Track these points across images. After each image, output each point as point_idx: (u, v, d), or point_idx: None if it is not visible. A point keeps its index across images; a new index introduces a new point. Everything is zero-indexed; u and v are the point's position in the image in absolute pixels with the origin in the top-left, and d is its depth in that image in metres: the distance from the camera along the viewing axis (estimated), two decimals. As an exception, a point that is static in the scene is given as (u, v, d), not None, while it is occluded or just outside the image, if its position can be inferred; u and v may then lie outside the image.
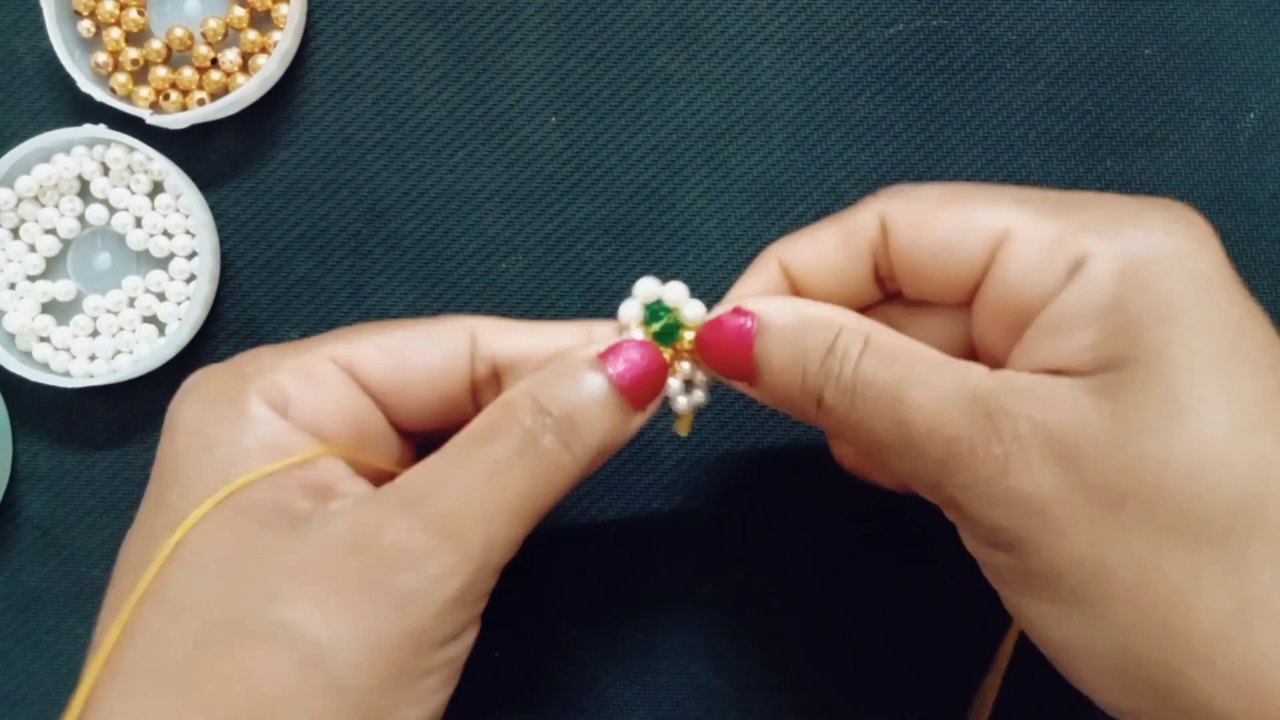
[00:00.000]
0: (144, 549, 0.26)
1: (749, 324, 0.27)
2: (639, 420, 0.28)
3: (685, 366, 0.29)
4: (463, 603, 0.25)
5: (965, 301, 0.27)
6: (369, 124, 0.36)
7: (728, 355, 0.28)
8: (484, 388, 0.29)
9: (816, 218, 0.36)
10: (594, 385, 0.27)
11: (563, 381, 0.27)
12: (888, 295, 0.29)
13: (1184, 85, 0.36)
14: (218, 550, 0.25)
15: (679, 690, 0.36)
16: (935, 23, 0.36)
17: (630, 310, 0.29)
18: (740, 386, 0.28)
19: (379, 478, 0.28)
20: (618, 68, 0.36)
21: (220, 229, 0.36)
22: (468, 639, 0.27)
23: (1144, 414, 0.23)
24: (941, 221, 0.27)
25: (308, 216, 0.37)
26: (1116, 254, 0.24)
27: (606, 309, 0.36)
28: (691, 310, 0.29)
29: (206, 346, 0.36)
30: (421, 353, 0.29)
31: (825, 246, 0.28)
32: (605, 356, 0.27)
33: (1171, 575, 0.23)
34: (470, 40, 0.36)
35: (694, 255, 0.36)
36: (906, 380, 0.25)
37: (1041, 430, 0.24)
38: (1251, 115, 0.36)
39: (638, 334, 0.29)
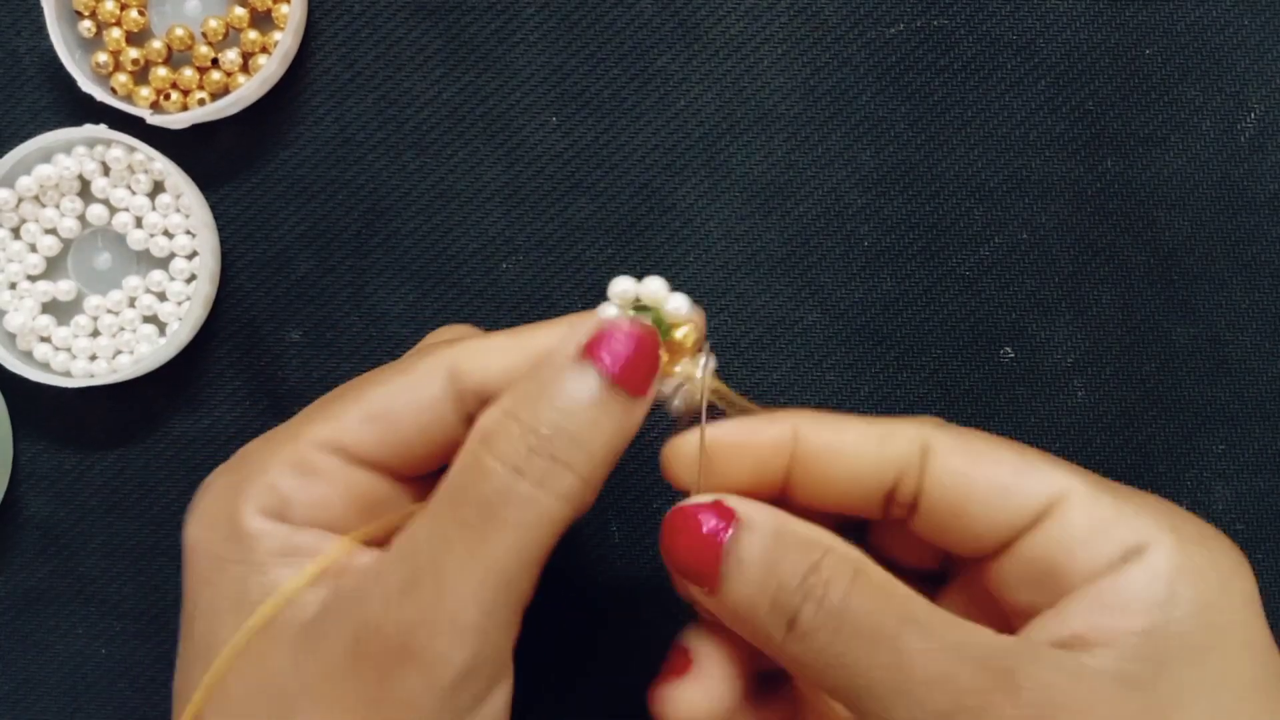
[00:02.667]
0: (183, 684, 0.26)
1: (723, 526, 0.25)
2: (643, 407, 0.26)
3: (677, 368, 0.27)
4: (469, 678, 0.24)
5: (981, 553, 0.26)
6: (369, 124, 0.36)
7: (691, 551, 0.25)
8: (477, 417, 0.27)
9: (817, 218, 0.36)
10: (584, 385, 0.25)
11: (547, 390, 0.25)
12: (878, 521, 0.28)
13: (1184, 85, 0.36)
14: (246, 678, 0.25)
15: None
16: (936, 22, 0.36)
17: (608, 309, 0.27)
18: (694, 593, 0.26)
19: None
20: (618, 68, 0.36)
21: (220, 229, 0.36)
22: (498, 696, 0.26)
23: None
24: (999, 466, 0.26)
25: (308, 216, 0.37)
26: (1175, 552, 0.25)
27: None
28: (673, 304, 0.27)
29: (207, 346, 0.36)
30: (406, 412, 0.27)
31: (852, 444, 0.27)
32: (590, 349, 0.25)
33: None
34: (471, 40, 0.36)
35: (694, 255, 0.36)
36: (908, 622, 0.24)
37: (1066, 702, 0.23)
38: (1252, 115, 0.36)
39: (616, 317, 0.26)
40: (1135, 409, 0.36)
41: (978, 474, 0.26)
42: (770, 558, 0.25)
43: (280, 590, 0.25)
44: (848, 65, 0.36)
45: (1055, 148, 0.36)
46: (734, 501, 0.26)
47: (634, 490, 0.36)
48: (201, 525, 0.27)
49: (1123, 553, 0.25)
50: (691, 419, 0.27)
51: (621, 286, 0.27)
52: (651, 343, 0.26)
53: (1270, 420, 0.36)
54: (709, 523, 0.25)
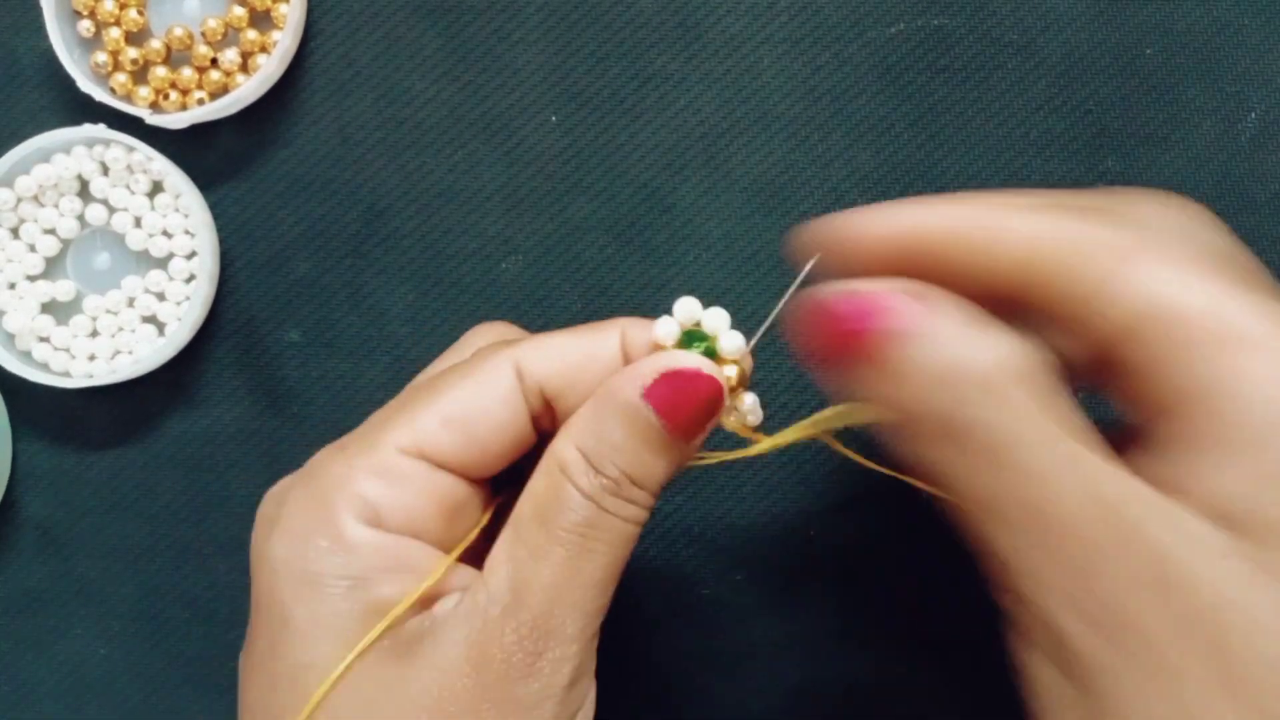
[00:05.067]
0: (267, 698, 0.26)
1: (877, 325, 0.23)
2: (699, 443, 0.27)
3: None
4: (576, 682, 0.26)
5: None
6: (369, 123, 0.36)
7: (833, 351, 0.24)
8: (541, 415, 0.28)
9: (817, 218, 0.36)
10: (644, 428, 0.26)
11: (609, 429, 0.26)
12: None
13: (1185, 85, 0.36)
14: (350, 697, 0.25)
15: (679, 691, 0.36)
16: (936, 22, 0.36)
17: (666, 330, 0.27)
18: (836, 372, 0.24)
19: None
20: (618, 68, 0.36)
21: (220, 229, 0.36)
22: (591, 696, 0.27)
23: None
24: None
25: (307, 216, 0.37)
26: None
27: (606, 309, 0.36)
28: (729, 341, 0.27)
29: (206, 346, 0.36)
30: (483, 413, 0.27)
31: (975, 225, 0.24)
32: (650, 395, 0.25)
33: None
34: (470, 39, 0.36)
35: (694, 255, 0.36)
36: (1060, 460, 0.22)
37: (1158, 551, 0.20)
38: (1252, 115, 0.36)
39: (679, 355, 0.26)
40: (1135, 409, 0.36)
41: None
42: (939, 372, 0.23)
43: (393, 608, 0.25)
44: (848, 65, 0.36)
45: (1055, 148, 0.36)
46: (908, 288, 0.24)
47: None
48: (291, 537, 0.26)
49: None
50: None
51: (688, 308, 0.27)
52: (714, 394, 0.26)
53: (1270, 420, 0.36)
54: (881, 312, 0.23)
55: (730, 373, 0.27)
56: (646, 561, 0.36)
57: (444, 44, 0.36)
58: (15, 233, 0.35)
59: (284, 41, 0.35)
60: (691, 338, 0.27)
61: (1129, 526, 0.21)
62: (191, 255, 0.36)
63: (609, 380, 0.26)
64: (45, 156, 0.35)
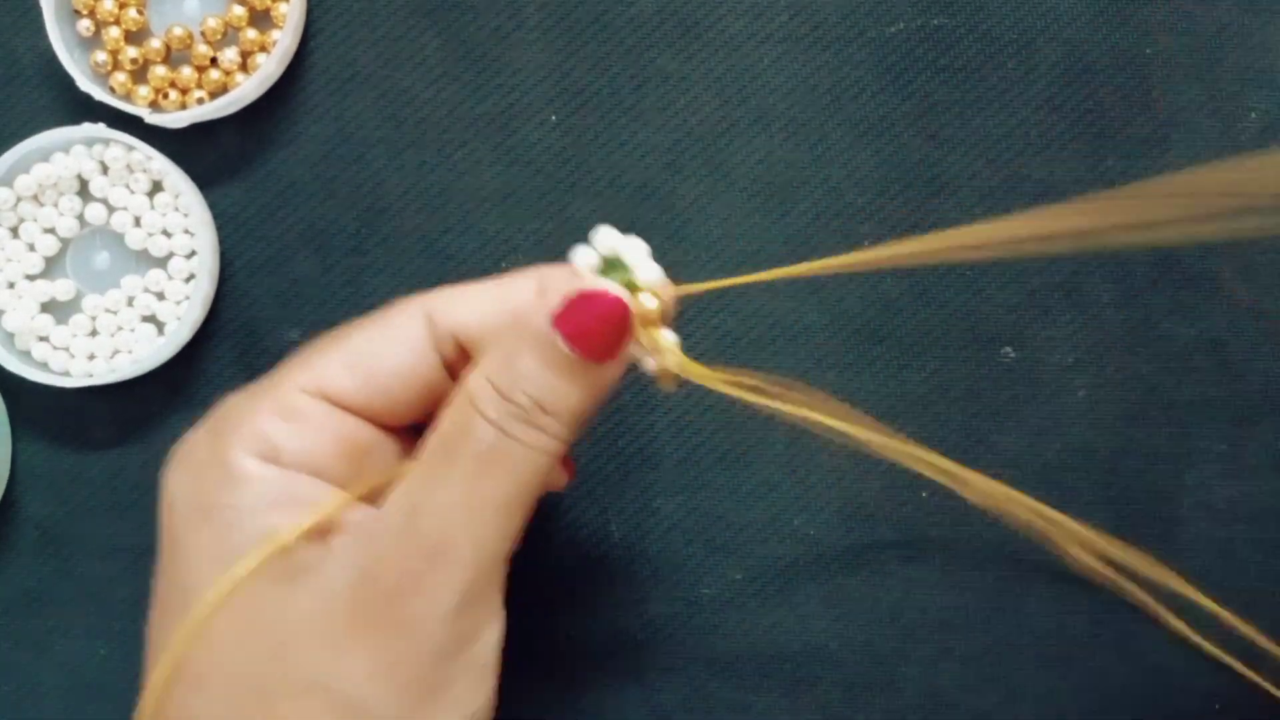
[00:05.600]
0: (162, 628, 0.26)
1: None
2: (614, 369, 0.27)
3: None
4: (469, 607, 0.26)
5: None
6: (368, 123, 0.36)
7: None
8: (455, 365, 0.28)
9: (817, 218, 0.36)
10: (553, 354, 0.26)
11: (519, 360, 0.26)
12: None
13: (1185, 85, 0.36)
14: (233, 618, 0.25)
15: (679, 690, 0.36)
16: (935, 22, 0.36)
17: (584, 258, 0.27)
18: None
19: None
20: (618, 67, 0.36)
21: (220, 228, 0.36)
22: (490, 633, 0.27)
23: None
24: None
25: (307, 215, 0.37)
26: None
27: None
28: (645, 273, 0.27)
29: (206, 346, 0.36)
30: (385, 356, 0.28)
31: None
32: (559, 320, 0.26)
33: None
34: (470, 38, 0.36)
35: (694, 255, 0.36)
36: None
37: None
38: (1252, 115, 0.36)
39: (588, 279, 0.27)
40: (1135, 409, 0.36)
41: None
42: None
43: (278, 536, 0.26)
44: (847, 64, 0.36)
45: (1056, 147, 0.36)
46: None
47: (634, 490, 0.36)
48: (186, 474, 0.27)
49: None
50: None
51: (607, 237, 0.27)
52: (620, 314, 0.26)
53: (1270, 420, 0.36)
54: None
55: (651, 305, 0.26)
56: (646, 561, 0.36)
57: (444, 44, 0.36)
58: (15, 232, 0.35)
59: (284, 41, 0.35)
60: (610, 267, 0.27)
61: None
62: (191, 255, 0.36)
63: (519, 313, 0.27)
64: (45, 155, 0.35)
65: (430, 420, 0.28)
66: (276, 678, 0.25)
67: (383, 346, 0.28)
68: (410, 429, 0.29)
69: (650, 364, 0.28)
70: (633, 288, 0.26)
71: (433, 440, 0.26)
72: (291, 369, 0.28)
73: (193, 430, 0.28)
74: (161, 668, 0.25)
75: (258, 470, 0.26)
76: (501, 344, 0.26)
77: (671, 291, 0.27)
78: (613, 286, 0.26)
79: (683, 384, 0.29)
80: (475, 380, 0.26)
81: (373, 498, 0.27)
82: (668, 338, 0.27)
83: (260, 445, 0.27)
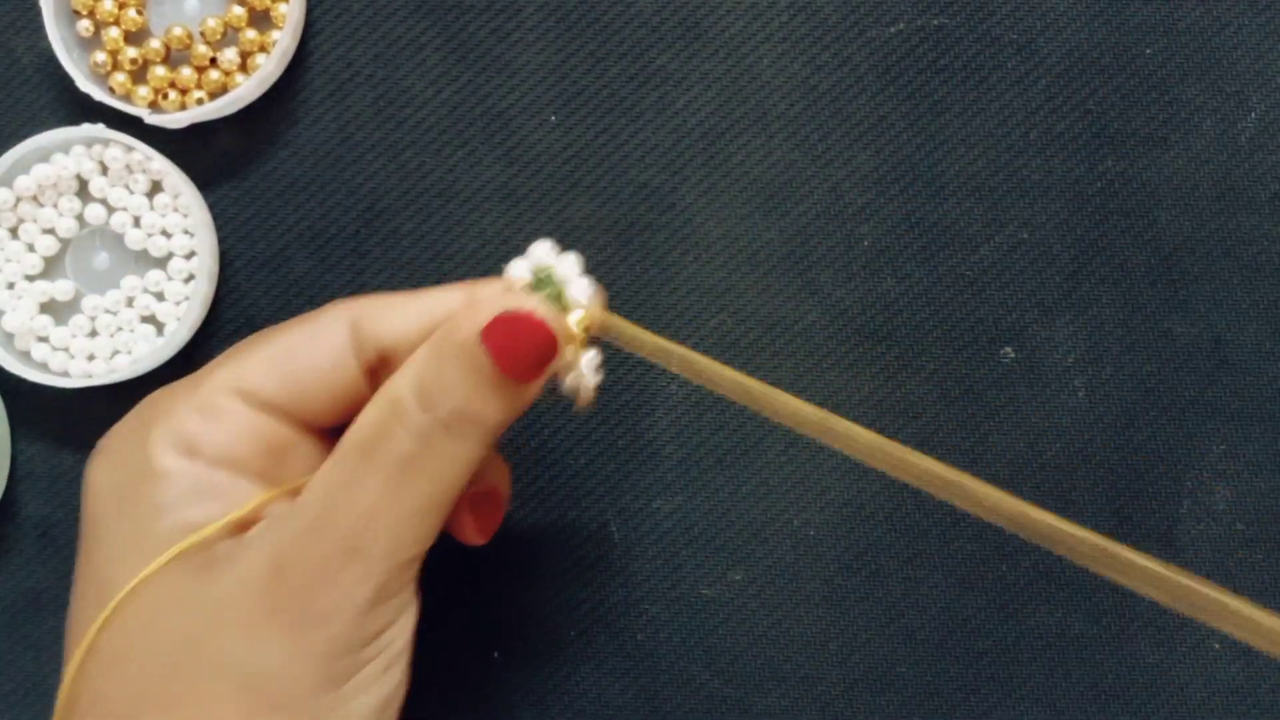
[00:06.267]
0: (79, 617, 0.27)
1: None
2: (535, 389, 0.27)
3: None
4: (381, 601, 0.26)
5: None
6: (368, 123, 0.36)
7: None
8: (378, 371, 0.28)
9: (817, 218, 0.36)
10: (478, 368, 0.26)
11: (445, 369, 0.26)
12: None
13: (1185, 85, 0.36)
14: (148, 604, 0.26)
15: (679, 691, 0.36)
16: (935, 22, 0.36)
17: (518, 270, 0.27)
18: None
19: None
20: (618, 67, 0.36)
21: (219, 228, 0.36)
22: (403, 623, 0.27)
23: None
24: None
25: (307, 216, 0.36)
26: None
27: (606, 309, 0.36)
28: (577, 290, 0.27)
29: (205, 346, 0.36)
30: (306, 358, 0.28)
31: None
32: (486, 335, 0.26)
33: None
34: (470, 39, 0.36)
35: (694, 255, 0.36)
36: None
37: None
38: (1252, 115, 0.36)
39: (520, 297, 0.27)
40: (1135, 409, 0.36)
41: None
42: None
43: (197, 531, 0.26)
44: (848, 65, 0.36)
45: (1055, 148, 0.36)
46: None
47: (633, 490, 0.36)
48: (107, 465, 0.28)
49: None
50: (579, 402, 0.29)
51: (541, 251, 0.27)
52: (548, 340, 0.26)
53: (1270, 420, 0.36)
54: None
55: (573, 320, 0.27)
56: (646, 561, 0.36)
57: (444, 44, 0.36)
58: (14, 232, 0.35)
59: (283, 41, 0.35)
60: (541, 282, 0.27)
61: None
62: (191, 255, 0.36)
63: (447, 321, 0.27)
64: (44, 156, 0.35)
65: (349, 419, 0.28)
66: (190, 660, 0.25)
67: (304, 349, 0.28)
68: (331, 430, 0.30)
69: (567, 383, 0.28)
70: (563, 303, 0.27)
71: (350, 439, 0.27)
72: (215, 367, 0.29)
73: (116, 426, 0.29)
74: (76, 653, 0.26)
75: (176, 465, 0.27)
76: (427, 352, 0.27)
77: (599, 310, 0.28)
78: (541, 309, 0.26)
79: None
80: (398, 386, 0.27)
81: (289, 496, 0.28)
82: (585, 359, 0.28)
83: (180, 440, 0.27)
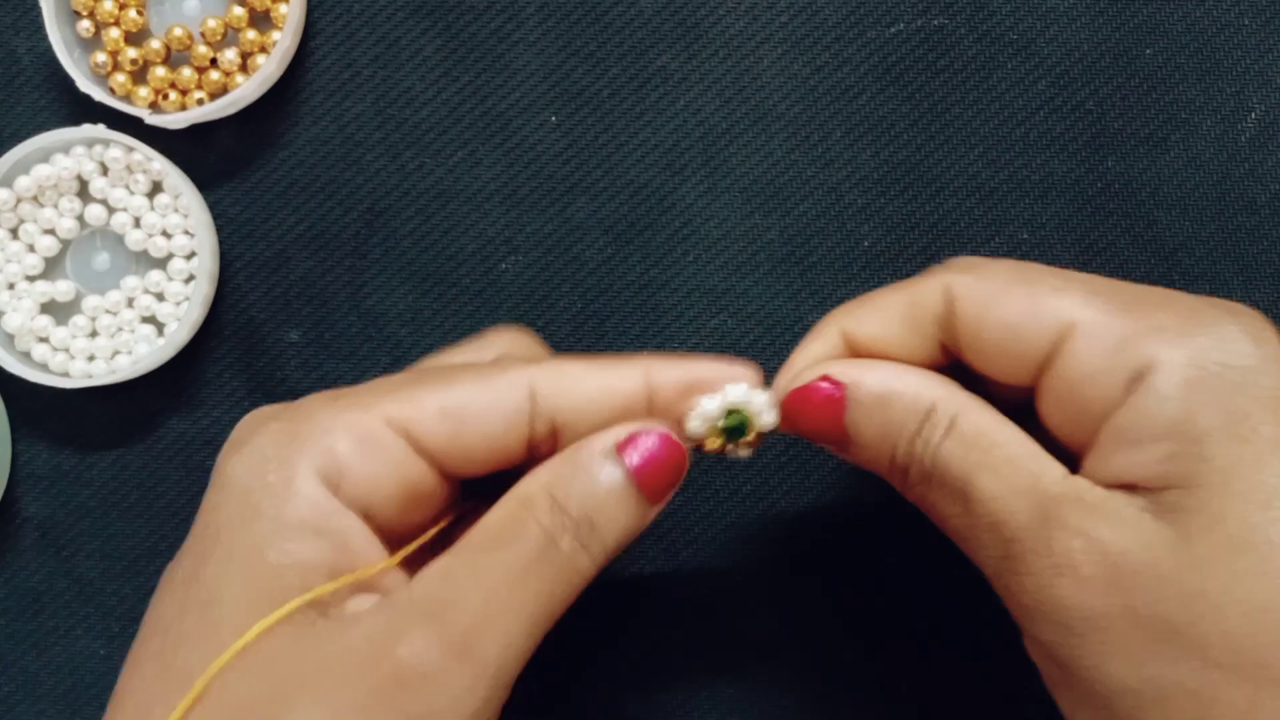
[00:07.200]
0: (175, 619, 0.26)
1: (838, 394, 0.27)
2: (657, 509, 0.27)
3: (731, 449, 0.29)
4: (481, 714, 0.25)
5: (1031, 385, 0.27)
6: (368, 123, 0.36)
7: (818, 425, 0.27)
8: (541, 443, 0.28)
9: (817, 218, 0.36)
10: (611, 480, 0.26)
11: (579, 476, 0.26)
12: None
13: (1184, 85, 0.36)
14: (245, 647, 0.25)
15: (679, 692, 0.36)
16: (936, 22, 0.36)
17: (709, 409, 0.28)
18: (831, 448, 0.28)
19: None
20: (618, 68, 0.36)
21: (219, 229, 0.36)
22: None
23: (1206, 545, 0.23)
24: (1007, 306, 0.26)
25: (307, 216, 0.37)
26: (1184, 363, 0.24)
27: (606, 309, 0.36)
28: (765, 419, 0.28)
29: (205, 347, 0.36)
30: (482, 416, 0.27)
31: (890, 319, 0.28)
32: (623, 447, 0.26)
33: (1228, 714, 0.22)
34: (470, 39, 0.36)
35: (694, 255, 0.36)
36: (980, 467, 0.25)
37: (1096, 548, 0.23)
38: (1252, 115, 0.36)
39: (696, 423, 0.28)
40: (1135, 409, 0.36)
41: (990, 318, 0.26)
42: (881, 420, 0.27)
43: (315, 590, 0.25)
44: (848, 65, 0.36)
45: (1055, 148, 0.36)
46: (841, 369, 0.27)
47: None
48: (246, 464, 0.26)
49: (1129, 378, 0.24)
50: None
51: (737, 393, 0.28)
52: (680, 462, 0.27)
53: (1270, 420, 0.36)
54: (822, 393, 0.27)
55: (748, 438, 0.28)
56: (647, 561, 0.36)
57: (444, 44, 0.36)
58: (14, 233, 0.35)
59: (284, 41, 0.35)
60: (732, 415, 0.28)
61: (1057, 519, 0.24)
62: (191, 255, 0.36)
63: (587, 436, 0.27)
64: (44, 156, 0.35)
65: (482, 484, 0.28)
66: (269, 715, 0.24)
67: (482, 406, 0.27)
68: (455, 488, 0.29)
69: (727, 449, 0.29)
70: (741, 427, 0.28)
71: (476, 534, 0.26)
72: (384, 394, 0.27)
73: (264, 415, 0.28)
74: (187, 697, 0.24)
75: (314, 493, 0.26)
76: (565, 458, 0.27)
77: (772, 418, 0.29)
78: (675, 433, 0.27)
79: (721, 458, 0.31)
80: (532, 485, 0.26)
81: (402, 569, 0.27)
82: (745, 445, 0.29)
83: (327, 462, 0.26)
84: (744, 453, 0.29)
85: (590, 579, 0.27)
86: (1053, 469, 0.25)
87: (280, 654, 0.25)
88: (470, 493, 0.29)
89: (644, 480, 0.26)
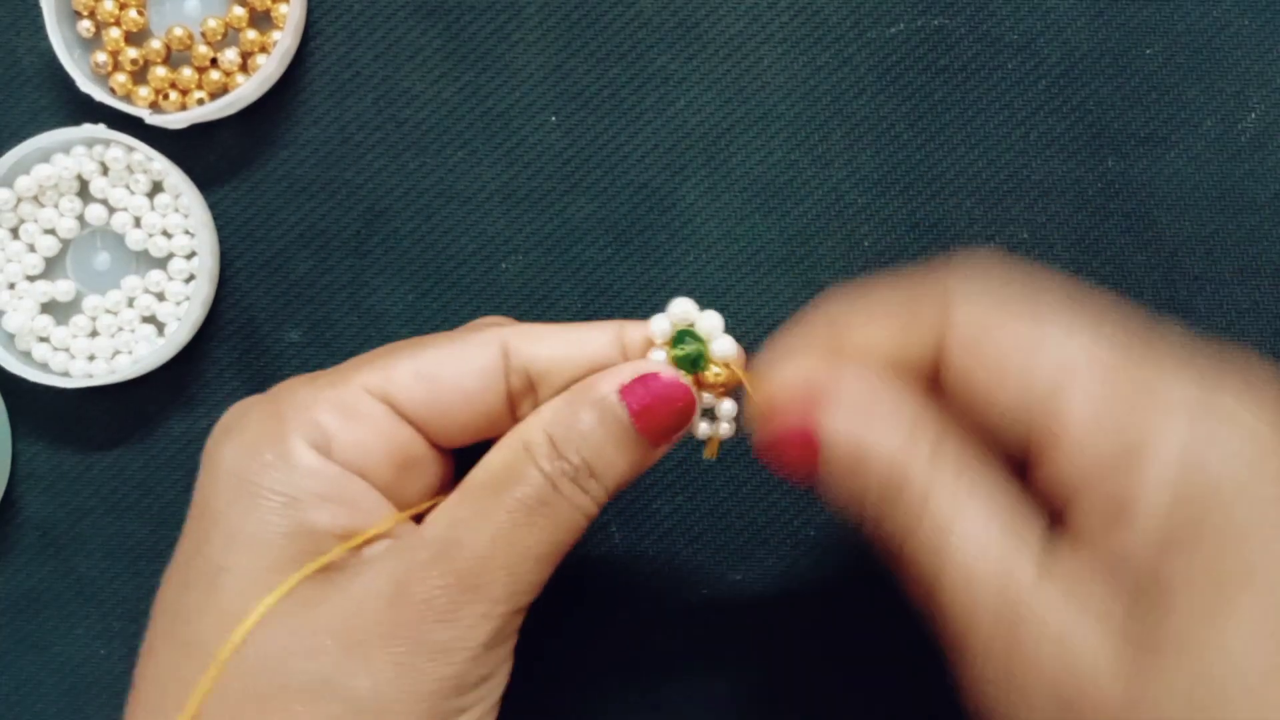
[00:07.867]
0: (179, 597, 0.26)
1: (814, 442, 0.26)
2: (660, 452, 0.28)
3: (707, 398, 0.28)
4: (493, 646, 0.26)
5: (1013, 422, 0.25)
6: (369, 123, 0.36)
7: (797, 470, 0.27)
8: (520, 399, 0.28)
9: (817, 218, 0.36)
10: (614, 424, 0.27)
11: (580, 420, 0.27)
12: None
13: (1185, 85, 0.36)
14: (252, 606, 0.25)
15: (678, 692, 0.36)
16: (936, 22, 0.36)
17: (659, 326, 0.28)
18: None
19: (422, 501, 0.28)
20: (618, 68, 0.36)
21: (220, 229, 0.36)
22: (502, 674, 0.27)
23: (1164, 688, 0.21)
24: (1006, 341, 0.25)
25: (307, 216, 0.37)
26: (1186, 444, 0.22)
27: (606, 309, 0.36)
28: (720, 346, 0.28)
29: (205, 347, 0.36)
30: (456, 375, 0.28)
31: (885, 324, 0.27)
32: (627, 392, 0.27)
33: None
34: (470, 39, 0.36)
35: (694, 255, 0.36)
36: (947, 566, 0.24)
37: (1051, 682, 0.23)
38: (1252, 115, 0.36)
39: (661, 354, 0.28)
40: (1135, 409, 0.36)
41: (984, 356, 0.25)
42: (849, 484, 0.26)
43: (320, 536, 0.26)
44: (848, 65, 0.36)
45: (1055, 148, 0.36)
46: (818, 373, 0.26)
47: (634, 491, 0.36)
48: (236, 447, 0.27)
49: (1122, 453, 0.23)
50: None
51: (683, 308, 0.28)
52: (685, 403, 0.27)
53: (1270, 420, 0.36)
54: (796, 440, 0.26)
55: (713, 374, 0.28)
56: (647, 561, 0.36)
57: (444, 44, 0.36)
58: (15, 233, 0.35)
59: (284, 41, 0.35)
60: (682, 337, 0.28)
61: (1021, 624, 0.23)
62: (191, 255, 0.36)
63: (589, 377, 0.27)
64: (45, 156, 0.35)
65: (475, 441, 0.28)
66: (296, 674, 0.25)
67: (454, 366, 0.28)
68: (451, 452, 0.29)
69: (702, 429, 0.29)
70: (704, 359, 0.28)
71: (479, 475, 0.27)
72: (359, 367, 0.28)
73: (248, 403, 0.28)
74: (204, 679, 0.25)
75: (312, 461, 0.26)
76: (564, 401, 0.27)
77: (741, 364, 0.28)
78: (683, 378, 0.27)
79: (722, 457, 0.32)
80: (533, 430, 0.27)
81: (410, 521, 0.28)
82: (726, 411, 0.29)
83: (315, 435, 0.27)
84: (710, 453, 0.29)
85: (594, 517, 0.27)
86: (1024, 570, 0.23)
87: (300, 609, 0.25)
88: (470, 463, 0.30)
89: (645, 424, 0.27)
